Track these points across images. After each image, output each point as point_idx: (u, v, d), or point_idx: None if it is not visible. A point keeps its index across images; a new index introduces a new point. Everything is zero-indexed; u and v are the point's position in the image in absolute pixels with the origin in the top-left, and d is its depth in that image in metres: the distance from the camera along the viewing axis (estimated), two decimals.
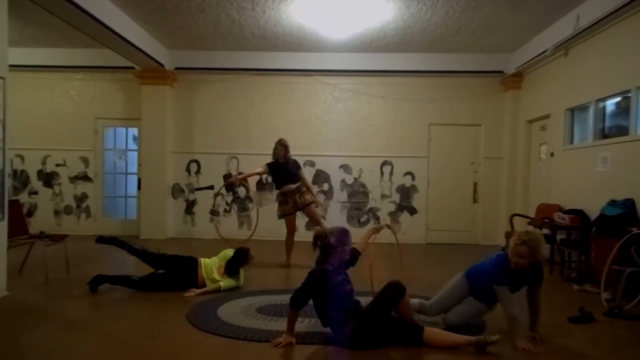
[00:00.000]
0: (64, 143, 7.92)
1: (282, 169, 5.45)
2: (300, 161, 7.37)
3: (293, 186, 5.41)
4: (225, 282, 4.18)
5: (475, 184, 7.75)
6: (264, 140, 7.68)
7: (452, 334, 2.88)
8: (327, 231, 3.09)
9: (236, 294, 4.07)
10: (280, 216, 5.50)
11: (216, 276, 4.20)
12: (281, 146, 5.45)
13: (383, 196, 7.76)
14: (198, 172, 7.89)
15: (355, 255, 3.33)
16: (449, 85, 7.61)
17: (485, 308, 3.17)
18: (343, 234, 3.07)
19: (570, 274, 5.05)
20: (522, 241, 2.90)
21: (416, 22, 6.04)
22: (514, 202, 7.36)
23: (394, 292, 2.88)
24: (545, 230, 5.75)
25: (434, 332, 2.84)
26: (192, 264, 4.24)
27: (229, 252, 4.34)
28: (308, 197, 5.43)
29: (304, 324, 3.29)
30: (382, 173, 7.77)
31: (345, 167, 7.75)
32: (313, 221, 5.56)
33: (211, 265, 4.27)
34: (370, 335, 2.84)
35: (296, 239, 5.61)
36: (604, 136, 5.39)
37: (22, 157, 7.94)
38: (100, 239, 4.38)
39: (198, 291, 4.06)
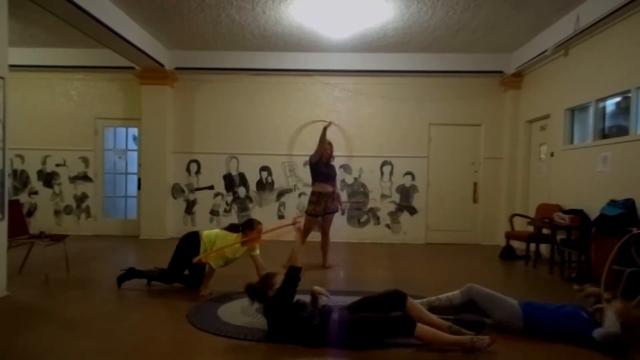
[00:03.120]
0: (64, 143, 7.92)
1: (326, 168, 5.43)
2: (301, 161, 7.44)
3: (330, 189, 5.38)
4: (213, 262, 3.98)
5: (475, 184, 7.75)
6: (264, 141, 7.72)
7: (443, 333, 2.88)
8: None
9: (236, 294, 4.06)
10: (309, 215, 5.41)
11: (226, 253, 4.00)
12: (330, 146, 5.42)
13: (383, 196, 7.76)
14: (198, 172, 7.89)
15: (295, 274, 3.05)
16: (449, 85, 7.61)
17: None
18: (266, 277, 3.14)
19: (570, 274, 5.05)
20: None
21: (416, 22, 6.05)
22: (514, 202, 7.36)
23: (400, 329, 2.83)
24: (545, 230, 5.76)
25: (425, 329, 2.82)
26: (194, 238, 4.13)
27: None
28: (336, 204, 5.45)
29: None
30: (382, 173, 7.77)
31: (345, 167, 7.75)
32: (324, 231, 5.46)
33: (214, 237, 4.08)
34: (365, 336, 2.84)
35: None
36: (604, 136, 5.39)
37: (22, 157, 7.95)
38: (120, 278, 4.25)
39: (206, 290, 4.02)
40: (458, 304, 3.30)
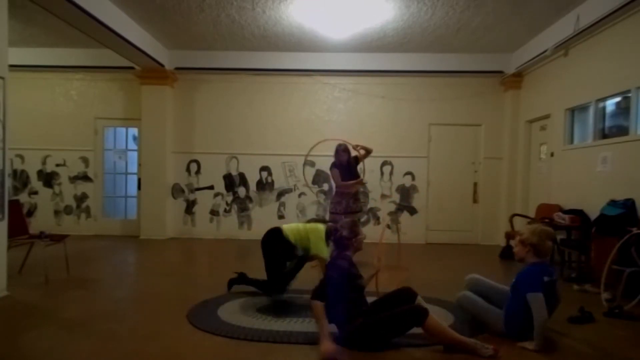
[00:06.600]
0: (64, 143, 7.92)
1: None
2: (300, 161, 7.43)
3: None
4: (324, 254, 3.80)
5: (475, 184, 7.75)
6: (264, 141, 7.72)
7: (451, 330, 2.86)
8: (337, 225, 3.23)
9: (236, 294, 4.07)
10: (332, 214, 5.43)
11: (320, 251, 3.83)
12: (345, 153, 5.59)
13: (383, 196, 7.76)
14: (198, 172, 7.89)
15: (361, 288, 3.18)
16: (449, 85, 7.61)
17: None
18: (354, 224, 3.21)
19: (570, 274, 5.05)
20: (520, 233, 3.19)
21: (416, 22, 6.05)
22: (514, 202, 7.35)
23: (413, 318, 2.81)
24: None
25: (436, 321, 2.81)
26: (277, 234, 3.87)
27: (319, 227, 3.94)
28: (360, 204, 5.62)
29: (304, 324, 3.29)
30: (382, 173, 7.77)
31: None
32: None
33: (303, 231, 3.87)
34: (373, 338, 2.84)
35: None
36: (604, 136, 5.39)
37: (22, 157, 7.94)
38: (231, 282, 4.15)
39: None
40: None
